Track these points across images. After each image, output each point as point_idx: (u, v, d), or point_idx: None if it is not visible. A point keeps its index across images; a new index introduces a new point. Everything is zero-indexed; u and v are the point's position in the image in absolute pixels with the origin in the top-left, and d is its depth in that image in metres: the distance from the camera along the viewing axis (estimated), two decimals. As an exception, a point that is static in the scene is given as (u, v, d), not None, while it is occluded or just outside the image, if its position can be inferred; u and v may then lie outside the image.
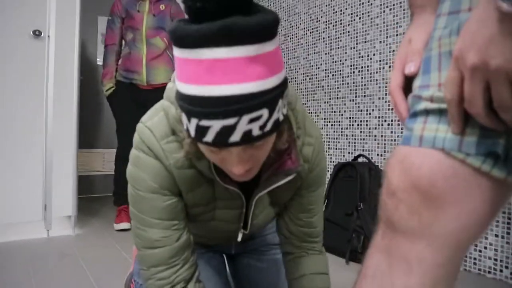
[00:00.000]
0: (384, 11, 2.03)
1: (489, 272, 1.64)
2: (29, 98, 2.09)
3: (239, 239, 0.89)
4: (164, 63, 2.48)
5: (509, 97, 0.39)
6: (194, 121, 0.56)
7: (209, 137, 0.56)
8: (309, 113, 2.49)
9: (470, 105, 0.42)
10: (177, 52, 0.56)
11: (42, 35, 2.10)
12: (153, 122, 0.74)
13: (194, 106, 0.55)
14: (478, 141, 0.45)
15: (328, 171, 2.32)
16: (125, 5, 2.41)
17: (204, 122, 0.55)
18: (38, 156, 2.12)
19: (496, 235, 1.61)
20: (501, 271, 1.60)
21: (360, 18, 2.17)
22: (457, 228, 0.48)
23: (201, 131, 0.56)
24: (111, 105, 2.52)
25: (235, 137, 0.56)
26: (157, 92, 2.44)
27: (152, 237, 0.77)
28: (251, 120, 0.55)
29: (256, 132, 0.57)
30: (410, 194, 0.49)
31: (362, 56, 2.15)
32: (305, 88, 2.54)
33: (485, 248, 1.65)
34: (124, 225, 2.30)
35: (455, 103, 0.44)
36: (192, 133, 0.58)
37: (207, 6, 0.51)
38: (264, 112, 0.56)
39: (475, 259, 1.68)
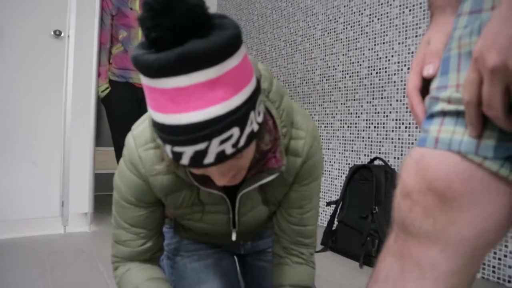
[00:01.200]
0: (403, 12, 2.00)
1: (509, 282, 1.59)
2: (48, 97, 2.13)
3: (233, 238, 0.89)
4: None
5: None
6: (168, 147, 0.57)
7: (185, 160, 0.57)
8: (325, 114, 2.47)
9: (488, 108, 0.41)
10: (143, 79, 0.56)
11: (62, 35, 2.14)
12: (138, 130, 0.78)
13: (164, 133, 0.56)
14: (496, 145, 0.44)
15: (344, 173, 2.29)
16: (116, 3, 2.39)
17: (177, 149, 0.56)
18: (56, 153, 2.16)
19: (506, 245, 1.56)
20: (521, 279, 1.55)
21: (378, 19, 2.14)
22: (473, 234, 0.46)
23: (176, 155, 0.57)
24: (107, 106, 2.47)
25: (209, 159, 0.56)
26: None
27: (120, 237, 0.86)
28: (222, 142, 0.55)
29: (229, 150, 0.57)
30: (425, 196, 0.48)
31: (380, 58, 2.12)
32: (322, 89, 2.52)
33: (505, 256, 1.60)
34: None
35: (473, 105, 0.42)
36: (170, 155, 0.59)
37: (162, 35, 0.50)
38: (235, 131, 0.56)
39: (493, 267, 1.63)
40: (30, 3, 2.06)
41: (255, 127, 0.60)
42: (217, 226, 0.88)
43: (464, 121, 0.46)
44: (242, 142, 0.58)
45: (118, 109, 2.46)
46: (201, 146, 0.55)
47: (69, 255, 1.83)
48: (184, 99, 0.52)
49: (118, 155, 2.55)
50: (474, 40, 0.46)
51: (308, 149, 0.80)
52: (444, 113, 0.49)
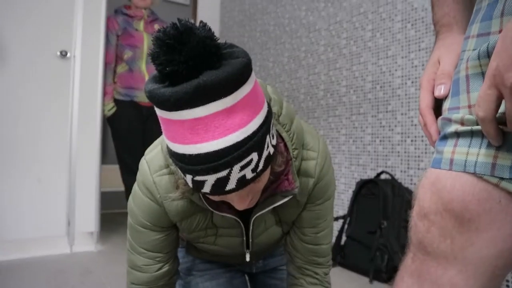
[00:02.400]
0: (405, 27, 2.02)
1: (522, 295, 1.56)
2: (54, 116, 2.15)
3: (247, 259, 0.89)
4: None
5: None
6: (189, 176, 0.58)
7: (206, 188, 0.58)
8: (330, 129, 2.48)
9: None
10: (159, 112, 0.57)
11: (68, 55, 2.17)
12: (151, 156, 0.78)
13: (185, 164, 0.56)
14: None
15: (350, 187, 2.28)
16: (122, 23, 2.46)
17: (198, 178, 0.56)
18: (62, 172, 2.17)
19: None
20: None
21: (381, 34, 2.16)
22: (493, 254, 0.46)
23: (197, 185, 0.58)
24: (112, 124, 2.52)
25: (231, 185, 0.57)
26: None
27: (136, 262, 0.84)
28: (242, 167, 0.56)
29: (249, 175, 0.58)
30: (442, 217, 0.48)
31: (384, 72, 2.13)
32: (326, 104, 2.53)
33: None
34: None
35: (489, 120, 0.43)
36: (190, 184, 0.59)
37: (177, 69, 0.51)
38: (254, 156, 0.57)
39: (507, 280, 1.61)
40: (35, 24, 2.10)
41: (271, 150, 0.61)
42: (231, 248, 0.87)
43: (478, 141, 0.46)
44: (260, 166, 0.59)
45: (123, 127, 2.49)
46: (223, 173, 0.55)
47: (76, 276, 1.82)
48: (203, 128, 0.53)
49: (123, 172, 2.56)
50: (483, 62, 0.46)
51: (320, 169, 0.80)
52: (457, 134, 0.49)
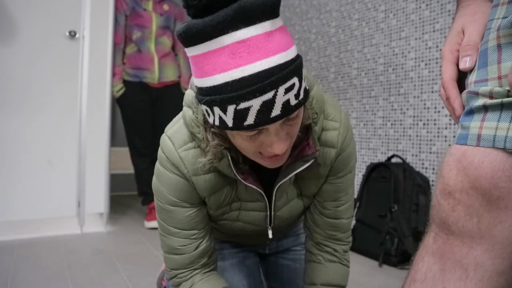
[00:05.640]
0: (420, 7, 1.97)
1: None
2: (63, 97, 2.15)
3: (270, 236, 0.88)
4: (172, 61, 2.54)
5: None
6: (231, 108, 0.56)
7: (251, 118, 0.57)
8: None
9: None
10: (195, 50, 0.57)
11: (77, 35, 2.15)
12: (173, 131, 0.77)
13: (227, 93, 0.56)
14: None
15: (360, 171, 2.27)
16: (130, 3, 2.41)
17: (243, 105, 0.56)
18: (72, 154, 2.17)
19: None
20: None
21: (394, 14, 2.11)
22: (522, 232, 0.45)
23: (241, 116, 0.57)
24: (121, 106, 2.51)
25: (276, 110, 0.57)
26: (166, 89, 2.49)
27: (172, 245, 0.82)
28: (287, 90, 0.57)
29: (293, 101, 0.58)
30: (469, 195, 0.46)
31: (397, 54, 2.09)
32: (337, 87, 2.50)
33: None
34: (154, 223, 2.31)
35: None
36: (230, 123, 0.58)
37: None
38: (295, 80, 0.58)
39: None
40: (44, 4, 2.07)
41: (307, 86, 0.63)
42: (254, 224, 0.86)
43: (509, 115, 0.44)
44: (301, 94, 0.60)
45: (132, 108, 2.48)
46: (268, 95, 0.55)
47: (87, 255, 1.84)
48: (246, 51, 0.54)
49: (133, 154, 2.56)
50: None
51: (343, 139, 0.79)
52: (485, 108, 0.47)
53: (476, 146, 0.47)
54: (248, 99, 0.55)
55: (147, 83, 2.46)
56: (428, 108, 1.92)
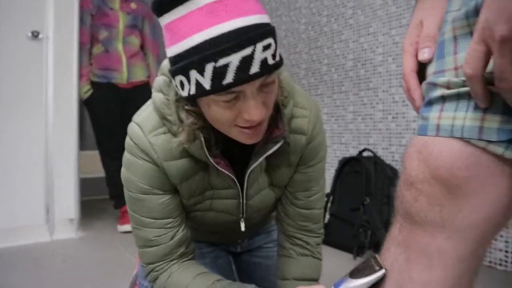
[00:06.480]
0: (386, 3, 2.00)
1: (500, 264, 1.61)
2: (28, 101, 2.07)
3: (242, 228, 0.87)
4: (141, 61, 2.49)
5: None
6: (209, 67, 0.57)
7: (230, 76, 0.57)
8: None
9: (500, 81, 0.40)
10: (170, 16, 0.59)
11: (40, 36, 2.08)
12: (142, 117, 0.76)
13: (205, 51, 0.56)
14: (499, 128, 0.43)
15: (332, 166, 2.29)
16: (96, 1, 2.34)
17: (222, 61, 0.56)
18: (39, 159, 2.10)
19: (506, 227, 1.58)
20: (512, 263, 1.57)
21: (362, 10, 2.14)
22: (481, 218, 0.45)
23: (220, 74, 0.57)
24: (90, 108, 2.44)
25: (255, 67, 0.58)
26: (136, 90, 2.44)
27: (147, 236, 0.79)
28: (264, 48, 0.58)
29: (270, 61, 0.59)
30: (431, 185, 0.47)
31: (365, 49, 2.12)
32: (308, 83, 2.51)
33: (495, 240, 1.62)
34: (128, 227, 2.25)
35: (477, 78, 0.41)
36: (208, 85, 0.58)
37: None
38: (272, 41, 0.59)
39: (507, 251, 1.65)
40: (4, 3, 1.99)
41: (281, 53, 0.65)
42: (226, 212, 0.84)
43: (465, 105, 0.45)
44: (277, 56, 0.61)
45: (101, 110, 2.41)
46: (247, 51, 0.56)
47: (57, 263, 1.78)
48: (223, 9, 0.56)
49: (103, 157, 2.50)
50: (472, 21, 0.45)
51: (313, 127, 0.80)
52: (443, 99, 0.48)
53: (436, 136, 0.47)
54: (227, 54, 0.56)
55: (116, 83, 2.40)
56: (397, 101, 1.96)
